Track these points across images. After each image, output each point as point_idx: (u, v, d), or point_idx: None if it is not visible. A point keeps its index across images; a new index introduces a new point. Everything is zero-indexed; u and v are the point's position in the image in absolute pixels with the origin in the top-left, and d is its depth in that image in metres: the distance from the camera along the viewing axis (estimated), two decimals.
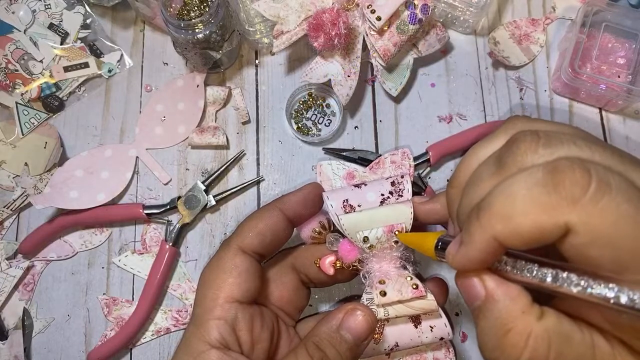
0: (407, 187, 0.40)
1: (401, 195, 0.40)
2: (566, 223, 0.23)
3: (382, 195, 0.40)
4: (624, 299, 0.22)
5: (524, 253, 0.27)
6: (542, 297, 0.27)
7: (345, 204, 0.39)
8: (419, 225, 0.39)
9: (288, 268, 0.42)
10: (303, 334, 0.42)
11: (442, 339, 0.40)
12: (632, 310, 0.22)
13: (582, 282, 0.23)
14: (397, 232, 0.38)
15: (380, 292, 0.37)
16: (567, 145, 0.24)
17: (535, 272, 0.25)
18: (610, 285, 0.22)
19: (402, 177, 0.41)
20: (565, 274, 0.24)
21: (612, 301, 0.22)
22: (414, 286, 0.37)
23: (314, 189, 0.41)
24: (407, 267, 0.40)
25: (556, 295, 0.25)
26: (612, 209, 0.22)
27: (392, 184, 0.40)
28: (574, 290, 0.23)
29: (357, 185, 0.41)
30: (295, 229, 0.41)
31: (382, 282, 0.38)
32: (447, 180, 0.60)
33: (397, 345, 0.39)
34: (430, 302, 0.38)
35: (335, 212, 0.39)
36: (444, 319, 0.39)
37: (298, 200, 0.40)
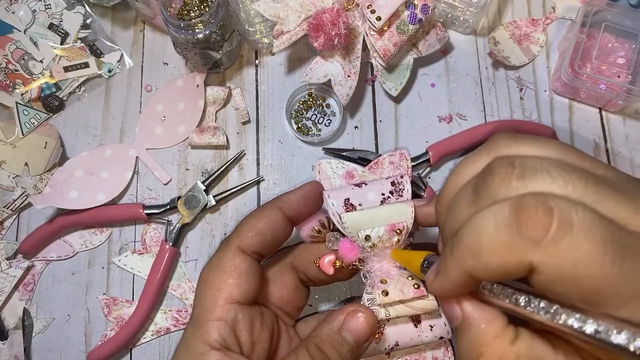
0: (407, 187, 0.40)
1: (401, 195, 0.40)
2: (530, 263, 0.23)
3: (383, 194, 0.40)
4: (589, 330, 0.23)
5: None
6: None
7: (346, 202, 0.39)
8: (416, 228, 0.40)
9: (287, 267, 0.42)
10: (303, 333, 0.42)
11: (441, 338, 0.40)
12: (596, 341, 0.22)
13: (552, 310, 0.24)
14: (395, 241, 0.38)
15: (382, 292, 0.37)
16: (541, 176, 0.25)
17: (510, 297, 0.26)
18: (577, 315, 0.23)
19: (402, 177, 0.41)
20: (537, 301, 0.25)
21: (577, 330, 0.23)
22: (416, 286, 0.37)
23: (313, 187, 0.40)
24: None
25: (529, 320, 0.26)
26: (572, 249, 0.22)
27: (392, 183, 0.40)
28: (544, 317, 0.24)
29: (357, 185, 0.41)
30: (294, 228, 0.41)
31: (383, 281, 0.38)
32: None
33: (397, 345, 0.39)
34: (431, 302, 0.38)
35: (337, 211, 0.39)
36: (444, 319, 0.39)
37: (298, 199, 0.40)
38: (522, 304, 0.25)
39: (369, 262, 0.39)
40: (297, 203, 0.39)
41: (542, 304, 0.25)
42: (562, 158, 0.26)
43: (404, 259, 0.37)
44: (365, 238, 0.38)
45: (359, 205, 0.39)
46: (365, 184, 0.41)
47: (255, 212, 0.39)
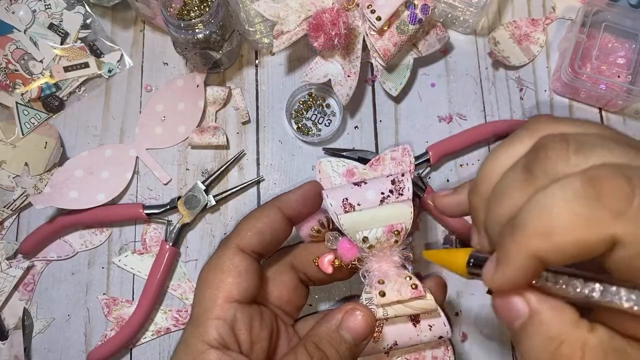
0: (408, 185, 0.40)
1: (401, 194, 0.40)
2: (612, 236, 0.21)
3: (382, 193, 0.40)
4: None
5: (564, 267, 0.25)
6: (581, 313, 0.26)
7: (344, 202, 0.39)
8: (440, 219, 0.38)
9: (287, 267, 0.42)
10: (302, 332, 0.42)
11: (441, 337, 0.40)
12: None
13: (633, 296, 0.22)
14: (393, 242, 0.37)
15: (379, 293, 0.37)
16: (600, 150, 0.23)
17: (580, 288, 0.24)
18: None
19: (403, 175, 0.41)
20: (614, 288, 0.23)
21: None
22: (413, 286, 0.37)
23: (313, 187, 0.40)
24: (407, 266, 0.40)
25: (606, 309, 0.24)
26: None
27: (393, 182, 0.40)
28: (626, 305, 0.22)
29: (356, 184, 0.41)
30: (294, 227, 0.41)
31: (381, 282, 0.38)
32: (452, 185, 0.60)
33: (396, 344, 0.39)
34: (429, 302, 0.38)
35: (335, 211, 0.39)
36: (443, 318, 0.39)
37: (297, 199, 0.40)
38: (597, 294, 0.23)
39: (367, 262, 0.39)
40: (296, 203, 0.39)
41: (621, 291, 0.23)
42: (605, 134, 0.25)
43: (441, 258, 0.34)
44: (363, 239, 0.38)
45: (358, 205, 0.39)
46: (365, 183, 0.40)
47: (254, 212, 0.39)
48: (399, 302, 0.37)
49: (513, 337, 0.27)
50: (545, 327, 0.25)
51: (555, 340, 0.24)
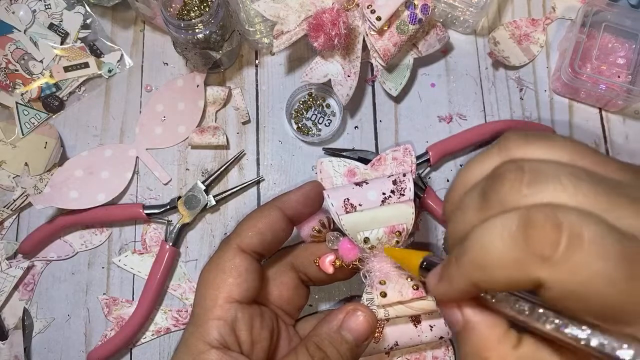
0: (409, 185, 0.40)
1: (403, 194, 0.40)
2: (537, 279, 0.23)
3: (384, 194, 0.40)
4: (594, 343, 0.22)
5: None
6: None
7: (346, 202, 0.39)
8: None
9: (287, 267, 0.42)
10: (303, 333, 0.42)
11: (441, 338, 0.40)
12: (601, 355, 0.22)
13: (557, 321, 0.24)
14: (395, 242, 0.38)
15: (380, 293, 0.37)
16: (552, 184, 0.24)
17: (513, 305, 0.26)
18: (583, 327, 0.23)
19: (404, 175, 0.41)
20: (542, 311, 0.24)
21: (582, 342, 0.23)
22: (415, 287, 0.37)
23: (314, 187, 0.40)
24: None
25: (531, 329, 0.25)
26: (582, 267, 0.21)
27: (394, 182, 0.40)
28: (548, 327, 0.24)
29: (358, 184, 0.41)
30: (294, 227, 0.41)
31: (382, 282, 0.38)
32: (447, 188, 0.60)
33: (397, 345, 0.39)
34: (430, 302, 0.38)
35: (336, 212, 0.39)
36: (443, 321, 0.39)
37: (298, 199, 0.40)
38: (527, 312, 0.25)
39: (368, 262, 0.39)
40: (297, 203, 0.39)
41: (546, 314, 0.24)
42: (575, 161, 0.25)
43: (399, 257, 0.37)
44: (364, 240, 0.38)
45: (359, 205, 0.39)
46: (367, 183, 0.40)
47: (255, 212, 0.39)
48: (400, 302, 0.37)
49: (456, 338, 0.29)
50: (474, 340, 0.27)
51: (480, 355, 0.27)
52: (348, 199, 0.39)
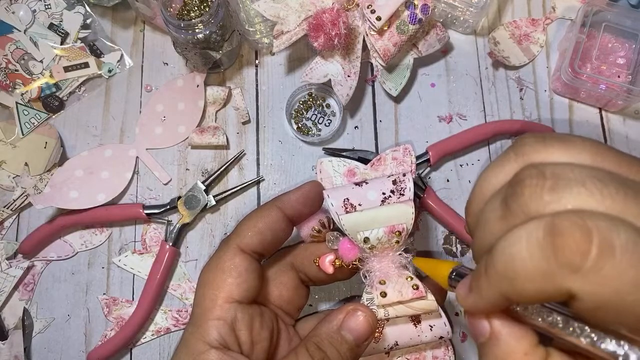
0: (409, 185, 0.40)
1: (402, 194, 0.40)
2: (568, 290, 0.22)
3: (384, 194, 0.40)
4: (633, 358, 0.21)
5: None
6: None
7: (345, 202, 0.39)
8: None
9: (287, 267, 0.42)
10: (302, 333, 0.42)
11: (441, 338, 0.40)
12: None
13: (593, 335, 0.23)
14: (395, 242, 0.38)
15: (380, 293, 0.37)
16: (576, 189, 0.22)
17: (546, 317, 0.25)
18: (621, 342, 0.22)
19: (404, 175, 0.41)
20: (576, 324, 0.23)
21: (620, 359, 0.22)
22: (415, 287, 0.37)
23: (313, 187, 0.40)
24: (408, 266, 0.40)
25: (563, 343, 0.25)
26: (614, 276, 0.20)
27: (394, 182, 0.40)
28: (584, 341, 0.23)
29: (358, 184, 0.41)
30: (294, 227, 0.41)
31: (382, 282, 0.38)
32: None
33: (397, 344, 0.39)
34: (430, 302, 0.38)
35: (336, 211, 0.39)
36: (444, 319, 0.39)
37: (297, 199, 0.40)
38: (560, 325, 0.24)
39: (368, 262, 0.39)
40: (297, 203, 0.39)
41: (581, 328, 0.23)
42: (597, 163, 0.24)
43: (428, 267, 0.36)
44: (364, 240, 0.38)
45: (359, 205, 0.39)
46: (366, 183, 0.40)
47: (255, 212, 0.39)
48: (400, 302, 0.37)
49: (478, 351, 0.29)
50: (499, 351, 0.26)
51: None
52: (348, 199, 0.39)
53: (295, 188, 0.40)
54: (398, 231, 0.38)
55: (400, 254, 0.39)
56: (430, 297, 0.38)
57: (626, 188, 0.22)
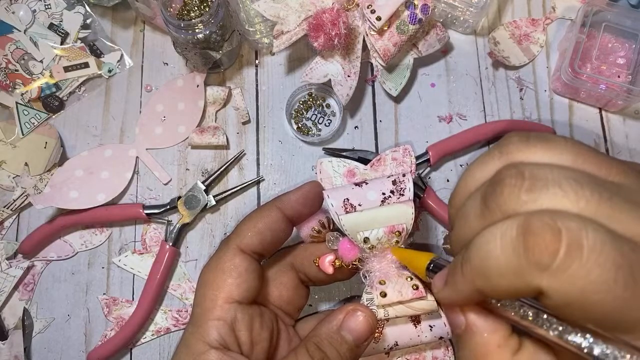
0: (409, 186, 0.40)
1: (402, 195, 0.40)
2: (537, 287, 0.23)
3: (383, 194, 0.40)
4: (596, 351, 0.22)
5: None
6: None
7: (345, 202, 0.39)
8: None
9: (287, 267, 0.42)
10: (302, 333, 0.42)
11: (441, 338, 0.40)
12: None
13: (560, 328, 0.24)
14: (394, 242, 0.38)
15: (380, 293, 0.37)
16: (552, 189, 0.23)
17: (517, 310, 0.26)
18: (587, 335, 0.23)
19: (404, 175, 0.41)
20: (546, 317, 0.24)
21: (585, 351, 0.23)
22: (415, 287, 0.37)
23: (313, 187, 0.40)
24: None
25: (535, 335, 0.26)
26: (581, 275, 0.21)
27: (394, 182, 0.40)
28: (551, 334, 0.24)
29: (357, 184, 0.41)
30: (294, 227, 0.41)
31: (382, 282, 0.38)
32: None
33: (397, 344, 0.39)
34: (430, 302, 0.38)
35: (336, 212, 0.39)
36: (444, 319, 0.39)
37: (297, 199, 0.40)
38: (530, 318, 0.25)
39: (368, 262, 0.39)
40: (296, 203, 0.39)
41: (550, 321, 0.24)
42: (578, 164, 0.25)
43: (405, 258, 0.37)
44: (364, 240, 0.38)
45: (359, 205, 0.39)
46: (366, 183, 0.41)
47: (255, 212, 0.39)
48: (400, 302, 0.37)
49: (456, 342, 0.30)
50: (473, 344, 0.28)
51: (480, 358, 0.27)
52: (348, 199, 0.39)
53: (295, 188, 0.40)
54: (398, 231, 0.38)
55: None
56: (430, 297, 0.38)
57: (602, 190, 0.23)
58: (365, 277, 0.39)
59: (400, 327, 0.39)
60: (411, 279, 0.38)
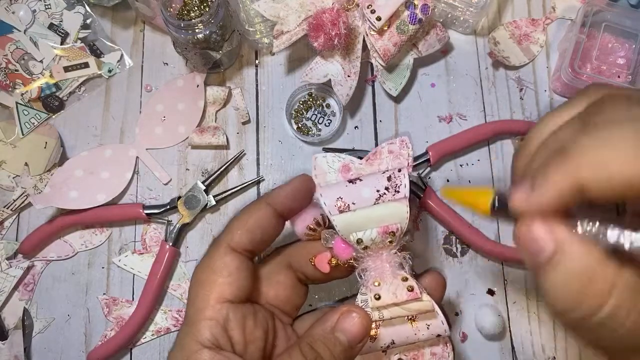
0: (405, 182, 0.39)
1: (398, 191, 0.39)
2: None
3: (378, 191, 0.39)
4: None
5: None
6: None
7: (339, 201, 0.38)
8: None
9: (283, 266, 0.42)
10: (300, 331, 0.42)
11: (439, 335, 0.39)
12: None
13: None
14: (388, 243, 0.37)
15: (374, 296, 0.37)
16: None
17: (609, 233, 0.24)
18: None
19: (399, 171, 0.40)
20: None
21: None
22: (409, 288, 0.37)
23: (303, 181, 0.40)
24: (404, 265, 0.39)
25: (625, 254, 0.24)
26: None
27: (389, 179, 0.39)
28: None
29: (351, 181, 0.40)
30: (290, 225, 0.41)
31: (376, 283, 0.37)
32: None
33: (394, 343, 0.39)
34: (425, 303, 0.37)
35: (329, 211, 0.38)
36: (441, 317, 0.39)
37: (287, 194, 0.39)
38: (627, 238, 0.23)
39: (363, 261, 0.39)
40: (286, 198, 0.39)
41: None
42: None
43: (463, 197, 0.32)
44: (357, 241, 0.38)
45: (352, 203, 0.38)
46: (360, 180, 0.40)
47: (244, 210, 0.39)
48: (395, 304, 0.37)
49: (536, 272, 0.26)
50: (572, 262, 0.24)
51: (582, 276, 0.24)
52: (341, 197, 0.38)
53: (285, 183, 0.40)
54: (392, 231, 0.37)
55: (395, 253, 0.39)
56: (426, 297, 0.38)
57: None
58: (361, 276, 0.39)
59: (397, 326, 0.39)
60: (406, 279, 0.38)
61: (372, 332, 0.38)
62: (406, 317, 0.39)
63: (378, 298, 0.37)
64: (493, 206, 0.29)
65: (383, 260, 0.38)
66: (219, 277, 0.36)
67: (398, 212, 0.38)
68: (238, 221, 0.38)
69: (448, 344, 0.41)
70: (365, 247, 0.38)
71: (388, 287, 0.37)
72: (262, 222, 0.38)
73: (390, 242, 0.38)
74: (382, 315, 0.37)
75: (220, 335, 0.35)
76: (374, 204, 0.39)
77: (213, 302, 0.36)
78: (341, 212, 0.38)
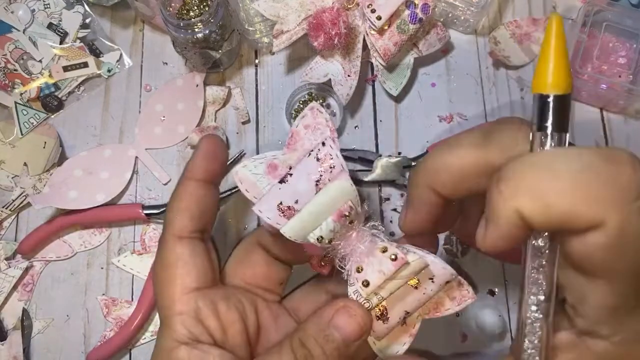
0: (333, 152, 0.35)
1: (333, 168, 0.35)
2: (603, 220, 0.20)
3: (313, 177, 0.35)
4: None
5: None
6: None
7: (280, 207, 0.35)
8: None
9: (253, 245, 0.40)
10: (290, 306, 0.41)
11: (447, 282, 0.36)
12: None
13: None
14: (349, 224, 0.34)
15: (362, 283, 0.34)
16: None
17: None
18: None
19: (323, 144, 0.36)
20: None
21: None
22: (393, 257, 0.34)
23: (208, 140, 0.39)
24: (377, 234, 0.36)
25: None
26: None
27: (317, 158, 0.35)
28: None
29: (282, 180, 0.36)
30: (262, 224, 0.39)
31: (359, 269, 0.34)
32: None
33: (408, 313, 0.36)
34: (416, 262, 0.34)
35: (277, 223, 0.35)
36: (440, 264, 0.35)
37: (200, 161, 0.38)
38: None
39: (338, 250, 0.36)
40: (202, 164, 0.38)
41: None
42: None
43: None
44: (318, 240, 0.34)
45: (295, 202, 0.35)
46: (290, 175, 0.36)
47: (172, 195, 0.38)
48: (386, 280, 0.34)
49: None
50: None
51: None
52: (281, 203, 0.35)
53: (194, 151, 0.39)
54: (346, 213, 0.34)
55: (363, 228, 0.36)
56: (412, 257, 0.34)
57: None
58: (342, 267, 0.36)
59: (402, 297, 0.35)
60: (385, 250, 0.34)
61: (379, 313, 0.35)
62: (406, 284, 0.35)
63: (367, 284, 0.34)
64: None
65: (354, 242, 0.35)
66: (176, 270, 0.36)
67: (342, 190, 0.34)
68: (171, 209, 0.38)
69: (463, 284, 0.38)
70: (330, 240, 0.35)
71: (372, 267, 0.34)
72: (192, 197, 0.37)
73: (351, 222, 0.35)
74: (381, 297, 0.34)
75: (194, 327, 0.34)
76: (316, 192, 0.35)
77: (179, 295, 0.35)
78: (288, 217, 0.35)
